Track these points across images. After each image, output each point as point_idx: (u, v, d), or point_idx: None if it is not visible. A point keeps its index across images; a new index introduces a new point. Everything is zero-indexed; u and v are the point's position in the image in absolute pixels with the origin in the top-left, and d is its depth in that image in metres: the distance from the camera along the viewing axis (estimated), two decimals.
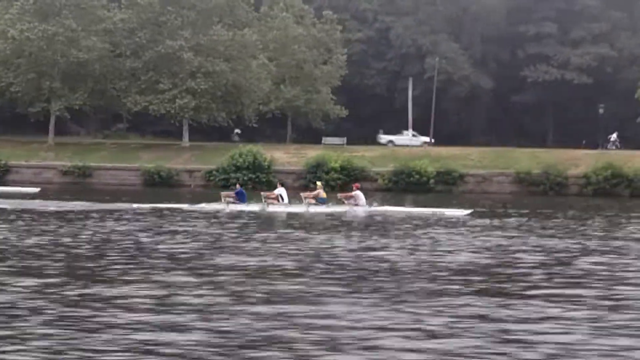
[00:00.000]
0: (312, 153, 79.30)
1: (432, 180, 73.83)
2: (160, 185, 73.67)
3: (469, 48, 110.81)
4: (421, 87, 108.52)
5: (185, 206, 42.05)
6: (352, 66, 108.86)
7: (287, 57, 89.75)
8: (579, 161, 76.62)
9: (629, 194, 71.34)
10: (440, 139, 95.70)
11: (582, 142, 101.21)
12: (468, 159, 79.73)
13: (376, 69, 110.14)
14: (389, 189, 73.34)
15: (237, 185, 45.83)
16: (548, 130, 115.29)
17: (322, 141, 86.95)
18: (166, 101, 78.93)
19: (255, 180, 72.99)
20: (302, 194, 43.21)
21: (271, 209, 41.53)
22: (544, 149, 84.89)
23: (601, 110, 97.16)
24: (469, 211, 40.56)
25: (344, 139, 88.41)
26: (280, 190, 43.32)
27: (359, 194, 42.41)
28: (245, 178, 72.27)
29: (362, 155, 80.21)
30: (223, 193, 44.29)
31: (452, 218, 38.04)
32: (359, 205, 41.57)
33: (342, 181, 73.53)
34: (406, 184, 73.45)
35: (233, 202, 42.10)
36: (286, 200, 42.84)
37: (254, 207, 41.57)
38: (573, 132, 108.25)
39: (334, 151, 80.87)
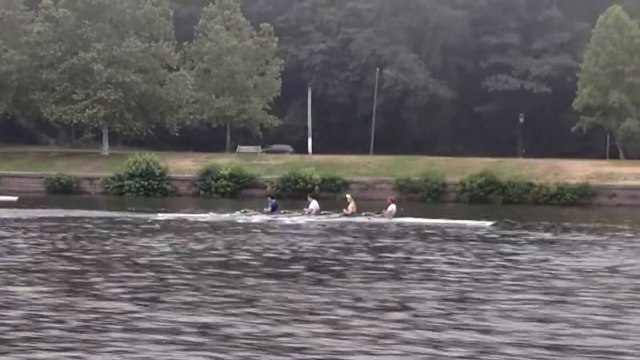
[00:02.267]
0: (222, 161, 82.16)
1: (317, 187, 75.75)
2: (61, 192, 77.31)
3: (429, 58, 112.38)
4: (382, 97, 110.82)
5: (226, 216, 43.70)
6: (317, 77, 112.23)
7: (221, 68, 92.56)
8: (471, 169, 77.89)
9: (502, 201, 72.72)
10: (403, 149, 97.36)
11: (522, 151, 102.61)
12: (367, 167, 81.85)
13: (339, 80, 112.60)
14: (278, 196, 75.60)
15: (269, 199, 46.02)
16: (517, 140, 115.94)
17: (237, 150, 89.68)
18: (78, 111, 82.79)
19: (148, 187, 76.02)
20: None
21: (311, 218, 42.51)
22: (450, 158, 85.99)
23: (521, 120, 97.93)
24: (491, 222, 40.99)
25: (259, 148, 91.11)
26: (314, 204, 44.09)
27: (393, 208, 42.81)
28: (138, 185, 75.78)
29: (267, 163, 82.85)
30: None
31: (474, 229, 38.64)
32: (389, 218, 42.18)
33: (231, 188, 76.54)
34: (292, 191, 75.70)
35: (271, 213, 43.15)
36: (314, 212, 43.52)
37: (302, 218, 42.55)
38: (542, 141, 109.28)
39: (245, 160, 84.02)
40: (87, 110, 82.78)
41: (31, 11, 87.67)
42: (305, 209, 43.84)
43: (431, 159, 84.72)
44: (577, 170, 78.22)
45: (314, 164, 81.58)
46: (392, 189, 76.08)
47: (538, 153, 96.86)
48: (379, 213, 42.69)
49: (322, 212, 43.48)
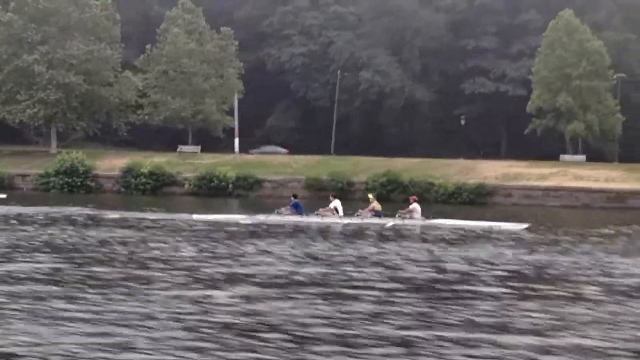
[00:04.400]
0: (157, 160, 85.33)
1: (231, 185, 78.31)
2: None
3: (408, 61, 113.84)
4: (359, 99, 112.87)
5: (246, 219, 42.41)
6: (298, 79, 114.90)
7: (178, 70, 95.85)
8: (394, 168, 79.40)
9: (402, 200, 74.08)
10: (383, 151, 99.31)
11: (480, 153, 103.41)
12: (291, 166, 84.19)
13: (319, 82, 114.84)
14: (195, 194, 78.68)
15: (292, 198, 44.76)
16: (501, 142, 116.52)
17: (178, 149, 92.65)
18: (21, 111, 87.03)
19: (72, 184, 79.49)
20: (361, 210, 42.91)
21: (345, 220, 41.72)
22: (383, 158, 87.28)
23: (462, 122, 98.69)
24: (525, 225, 40.19)
25: (198, 148, 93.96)
26: (335, 203, 43.14)
27: (416, 206, 42.06)
28: (62, 182, 79.42)
29: (199, 162, 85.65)
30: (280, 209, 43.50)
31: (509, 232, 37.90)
32: (414, 219, 41.29)
33: (150, 185, 79.63)
34: (208, 189, 78.43)
35: (290, 214, 42.21)
36: (341, 212, 42.52)
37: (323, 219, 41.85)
38: (525, 143, 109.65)
39: (183, 159, 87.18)
40: (27, 110, 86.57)
41: None
42: (322, 209, 43.21)
43: (362, 159, 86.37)
44: (489, 171, 79.25)
45: (241, 164, 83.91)
46: (302, 187, 77.97)
47: (516, 155, 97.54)
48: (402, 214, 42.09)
49: (349, 213, 42.75)
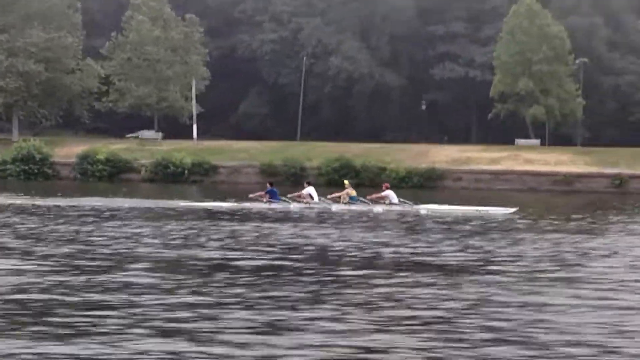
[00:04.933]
0: (117, 147, 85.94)
1: (187, 171, 78.92)
2: None
3: (377, 47, 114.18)
4: (329, 85, 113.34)
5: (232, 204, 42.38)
6: (269, 66, 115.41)
7: (142, 58, 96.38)
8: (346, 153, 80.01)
9: (355, 184, 74.58)
10: (355, 137, 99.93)
11: (445, 139, 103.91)
12: (248, 152, 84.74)
13: (290, 68, 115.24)
14: (151, 180, 79.28)
15: (268, 185, 44.48)
16: (471, 127, 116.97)
17: (139, 135, 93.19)
18: None
19: (28, 171, 80.00)
20: (333, 195, 42.77)
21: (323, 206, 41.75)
22: (343, 143, 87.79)
23: (423, 106, 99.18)
24: (513, 209, 39.65)
25: (160, 134, 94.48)
26: (309, 190, 42.79)
27: (390, 193, 41.74)
28: (18, 169, 79.95)
29: (157, 149, 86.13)
30: (251, 195, 43.30)
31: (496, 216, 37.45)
32: (392, 204, 41.03)
33: (107, 172, 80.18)
34: (164, 175, 79.06)
35: (270, 201, 42.00)
36: (316, 199, 42.22)
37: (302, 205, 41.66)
38: (496, 128, 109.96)
39: (142, 145, 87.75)
40: None
41: None
42: (296, 194, 43.12)
43: (320, 144, 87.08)
44: (442, 155, 79.86)
45: (202, 150, 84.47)
46: (256, 173, 78.67)
47: (486, 140, 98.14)
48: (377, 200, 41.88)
49: (321, 199, 42.47)
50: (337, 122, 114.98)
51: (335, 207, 41.07)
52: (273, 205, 41.25)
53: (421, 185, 73.67)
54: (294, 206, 41.35)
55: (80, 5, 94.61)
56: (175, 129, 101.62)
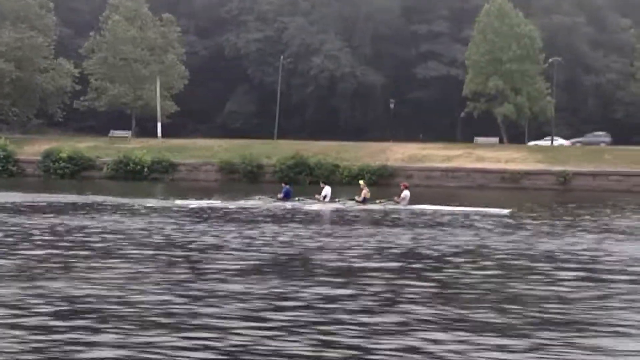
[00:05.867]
0: (86, 145, 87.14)
1: (146, 169, 79.94)
2: None
3: (360, 47, 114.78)
4: (312, 84, 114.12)
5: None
6: (254, 65, 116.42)
7: (117, 57, 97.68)
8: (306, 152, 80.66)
9: (309, 182, 75.49)
10: (339, 135, 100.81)
11: (419, 136, 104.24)
12: (211, 150, 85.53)
13: (274, 67, 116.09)
14: (112, 177, 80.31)
15: (283, 184, 45.50)
16: (457, 125, 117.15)
17: (110, 134, 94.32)
18: None
19: None
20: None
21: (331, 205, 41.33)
22: (308, 141, 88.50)
23: (392, 106, 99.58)
24: (507, 210, 39.31)
25: (129, 132, 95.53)
26: (327, 190, 42.54)
27: (407, 193, 41.06)
28: None
29: (124, 147, 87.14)
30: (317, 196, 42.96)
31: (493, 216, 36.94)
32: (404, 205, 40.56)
33: (70, 170, 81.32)
34: (125, 172, 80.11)
35: (282, 200, 42.13)
36: (328, 199, 42.15)
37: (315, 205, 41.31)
38: (480, 126, 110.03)
39: (111, 144, 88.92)
40: None
41: None
42: (317, 195, 42.57)
43: (283, 142, 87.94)
44: (399, 153, 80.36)
45: (168, 148, 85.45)
46: (215, 170, 79.54)
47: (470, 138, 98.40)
48: (391, 200, 41.34)
49: (336, 200, 42.11)
50: (321, 120, 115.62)
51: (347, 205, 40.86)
52: (287, 204, 41.16)
53: (374, 182, 73.94)
54: (308, 206, 40.88)
55: (53, 6, 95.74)
56: (154, 128, 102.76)
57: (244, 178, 78.36)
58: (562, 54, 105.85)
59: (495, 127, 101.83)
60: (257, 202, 42.03)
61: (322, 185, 43.79)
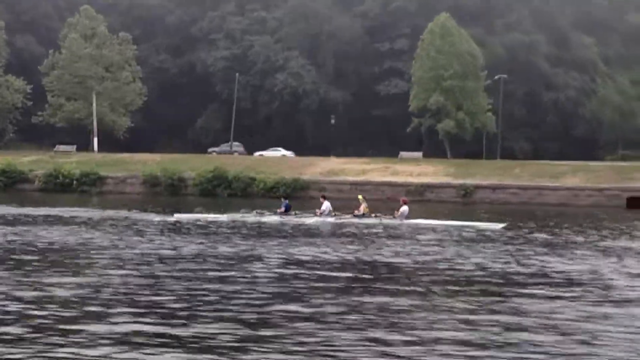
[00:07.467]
0: (30, 159, 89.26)
1: (75, 182, 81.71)
2: None
3: (323, 64, 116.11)
4: (277, 101, 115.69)
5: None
6: (222, 82, 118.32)
7: (72, 74, 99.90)
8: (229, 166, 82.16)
9: (227, 194, 76.88)
10: (306, 151, 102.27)
11: (369, 152, 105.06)
12: (144, 164, 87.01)
13: (241, 84, 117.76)
14: (43, 190, 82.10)
15: (282, 199, 46.12)
16: (422, 140, 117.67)
17: (55, 148, 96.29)
18: None
19: None
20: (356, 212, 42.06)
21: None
22: (241, 156, 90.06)
23: (332, 121, 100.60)
24: (502, 225, 39.22)
25: (74, 147, 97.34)
26: (326, 204, 42.32)
27: (405, 209, 41.01)
28: None
29: (63, 161, 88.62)
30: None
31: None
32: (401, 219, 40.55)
33: (3, 182, 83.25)
34: (54, 185, 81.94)
35: (284, 214, 42.15)
36: (327, 213, 41.90)
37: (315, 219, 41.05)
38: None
39: (55, 158, 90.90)
40: None
41: None
42: (317, 210, 42.37)
43: (216, 157, 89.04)
44: (321, 167, 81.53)
45: (104, 162, 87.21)
46: (140, 183, 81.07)
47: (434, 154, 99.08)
48: (390, 214, 41.26)
49: (334, 214, 41.88)
50: (288, 136, 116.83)
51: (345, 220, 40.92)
52: (286, 218, 41.25)
53: (287, 195, 74.83)
54: (309, 220, 40.68)
55: (3, 24, 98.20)
56: (117, 143, 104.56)
57: (165, 191, 79.70)
58: (523, 71, 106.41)
59: (460, 141, 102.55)
60: (272, 217, 41.59)
61: (321, 200, 43.50)
